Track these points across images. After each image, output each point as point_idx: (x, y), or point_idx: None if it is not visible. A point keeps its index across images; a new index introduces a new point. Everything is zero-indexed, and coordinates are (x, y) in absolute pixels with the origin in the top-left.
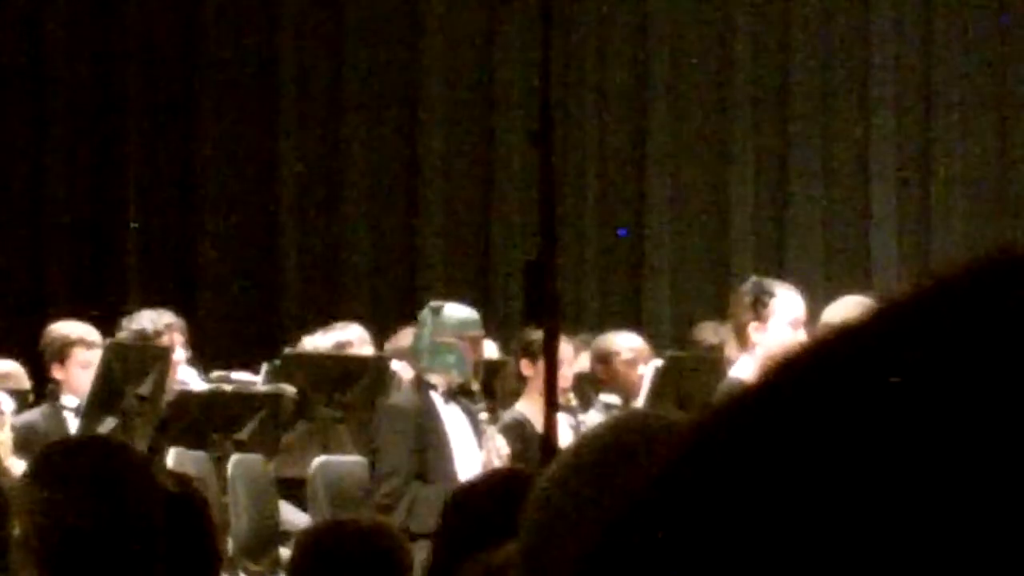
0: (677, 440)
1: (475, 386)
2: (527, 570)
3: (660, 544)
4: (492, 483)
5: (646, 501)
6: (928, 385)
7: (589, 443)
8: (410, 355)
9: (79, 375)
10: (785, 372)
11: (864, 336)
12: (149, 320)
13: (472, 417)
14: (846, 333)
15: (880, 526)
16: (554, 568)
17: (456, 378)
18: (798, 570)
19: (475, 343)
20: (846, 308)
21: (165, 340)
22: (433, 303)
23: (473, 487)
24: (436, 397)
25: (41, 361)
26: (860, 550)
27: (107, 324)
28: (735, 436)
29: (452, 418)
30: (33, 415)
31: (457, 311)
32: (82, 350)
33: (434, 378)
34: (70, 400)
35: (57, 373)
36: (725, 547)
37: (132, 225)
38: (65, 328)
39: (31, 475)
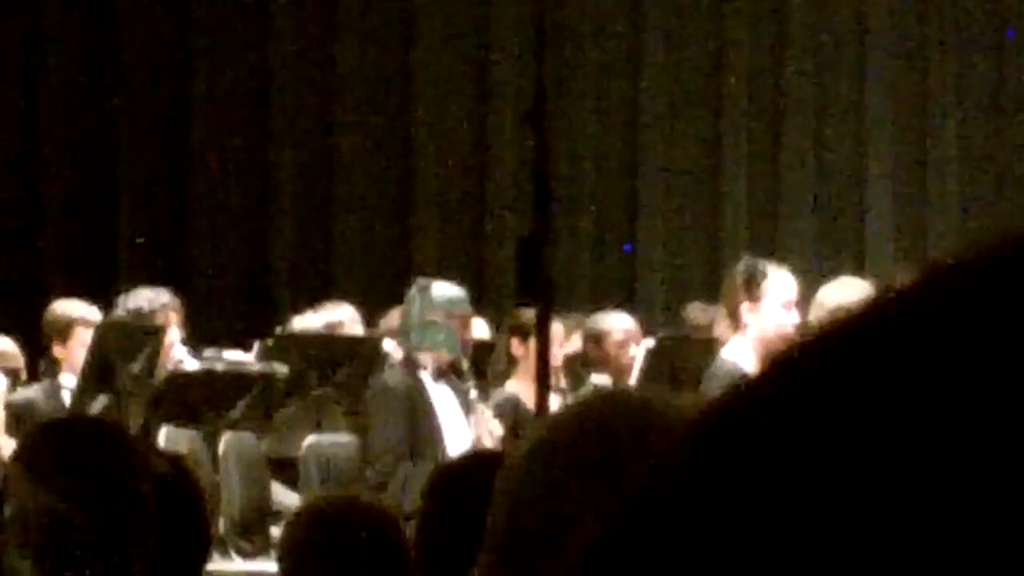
0: (676, 437)
1: (464, 364)
2: (495, 550)
3: (661, 545)
4: (474, 464)
5: (643, 502)
6: (931, 380)
7: (562, 422)
8: (399, 334)
9: (79, 354)
10: (786, 367)
11: (867, 329)
12: (146, 299)
13: (461, 395)
14: (849, 325)
15: (889, 531)
16: (524, 550)
17: (446, 356)
18: (801, 568)
19: (464, 321)
20: (842, 289)
21: (161, 319)
22: (420, 281)
23: (455, 468)
24: (425, 376)
25: (34, 340)
26: (867, 551)
27: (100, 303)
28: (737, 435)
29: (441, 397)
30: (32, 392)
31: (445, 289)
32: (83, 329)
33: (423, 357)
34: (68, 379)
35: (58, 351)
36: (729, 549)
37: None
38: (67, 307)
39: (20, 454)
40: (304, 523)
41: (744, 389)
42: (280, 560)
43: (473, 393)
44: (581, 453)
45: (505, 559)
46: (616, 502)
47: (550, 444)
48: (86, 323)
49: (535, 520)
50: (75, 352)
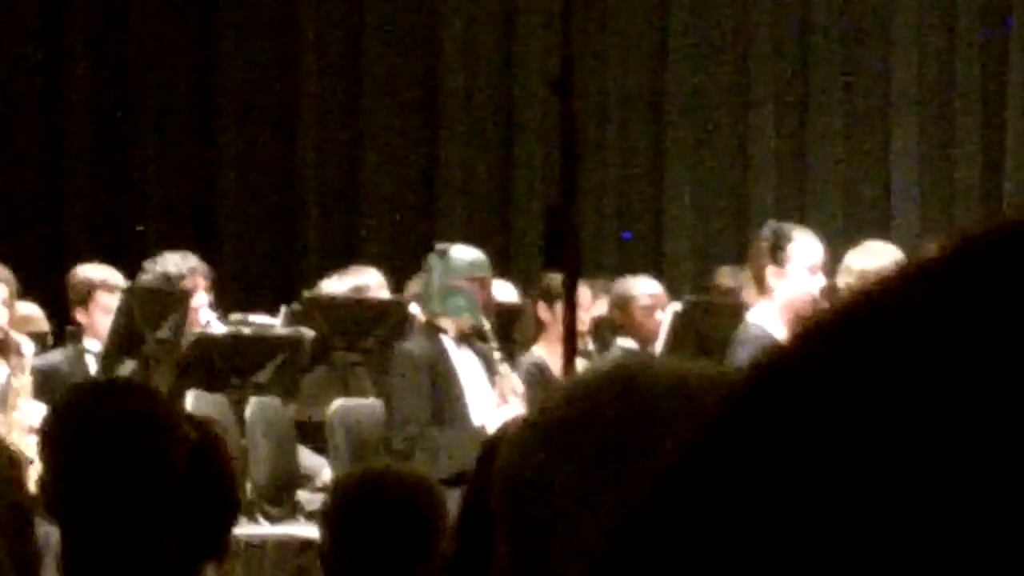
0: (711, 408)
1: (487, 326)
2: (502, 517)
3: (696, 522)
4: None
5: (676, 477)
6: (963, 357)
7: (574, 390)
8: (420, 300)
9: (102, 318)
10: (815, 339)
11: (897, 304)
12: (173, 263)
13: (485, 359)
14: (879, 297)
15: (914, 515)
16: (530, 525)
17: (467, 321)
18: (840, 543)
19: (484, 284)
20: (870, 255)
21: (188, 283)
22: (439, 246)
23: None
24: (448, 341)
25: (60, 305)
26: (905, 527)
27: (127, 268)
28: (767, 414)
29: (464, 362)
30: (55, 357)
31: (464, 253)
32: (105, 293)
33: (445, 322)
34: (92, 344)
35: (80, 316)
36: (765, 525)
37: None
38: (89, 271)
39: (52, 417)
40: (344, 492)
41: (771, 366)
42: (321, 529)
43: (496, 355)
44: (592, 420)
45: (514, 533)
46: (645, 484)
47: (550, 417)
48: (108, 287)
49: (540, 497)
50: (97, 317)
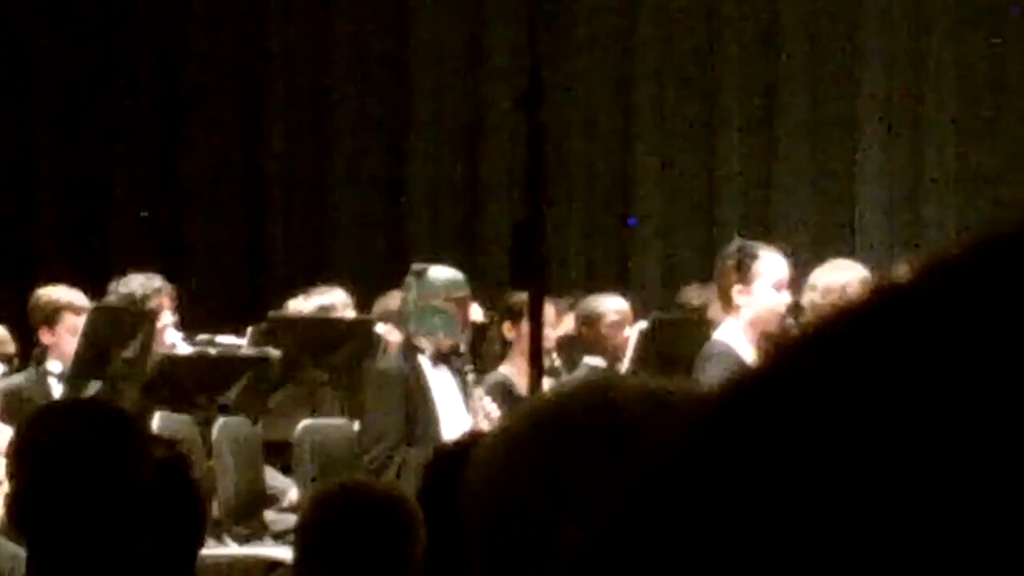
0: (684, 423)
1: (463, 347)
2: (476, 533)
3: (669, 537)
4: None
5: (652, 493)
6: (931, 374)
7: (546, 407)
8: (398, 320)
9: (67, 340)
10: (786, 361)
11: (868, 323)
12: (138, 284)
13: (461, 379)
14: (849, 318)
15: (887, 524)
16: (504, 542)
17: (444, 340)
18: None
19: (462, 303)
20: (835, 272)
21: (154, 304)
22: (416, 266)
23: (452, 451)
24: (424, 361)
25: (28, 326)
26: (868, 547)
27: (94, 288)
28: (739, 431)
29: (440, 382)
30: (17, 379)
31: (441, 272)
32: (70, 315)
33: (422, 342)
34: (55, 365)
35: (45, 338)
36: (735, 540)
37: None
38: (54, 293)
39: (19, 437)
40: (318, 507)
41: (745, 383)
42: (295, 544)
43: (471, 377)
44: (555, 442)
45: (490, 548)
46: (620, 500)
47: (522, 434)
48: (73, 309)
49: (514, 514)
50: (63, 338)
